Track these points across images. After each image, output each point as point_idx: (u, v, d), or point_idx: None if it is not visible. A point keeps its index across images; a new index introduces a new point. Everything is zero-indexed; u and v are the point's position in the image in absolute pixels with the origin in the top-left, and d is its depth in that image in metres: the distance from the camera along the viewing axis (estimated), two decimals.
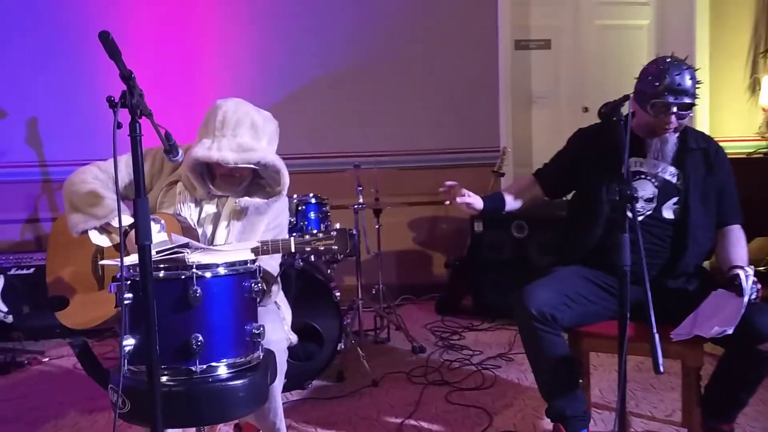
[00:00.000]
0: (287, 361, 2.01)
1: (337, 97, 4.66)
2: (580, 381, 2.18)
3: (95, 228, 1.90)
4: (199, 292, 1.57)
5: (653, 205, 2.20)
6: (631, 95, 2.11)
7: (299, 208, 3.17)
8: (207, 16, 4.55)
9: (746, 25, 4.79)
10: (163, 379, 1.55)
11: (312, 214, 3.20)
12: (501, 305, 3.91)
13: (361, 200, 3.44)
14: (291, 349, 2.09)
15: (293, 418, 2.61)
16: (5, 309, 3.54)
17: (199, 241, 1.89)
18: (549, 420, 2.21)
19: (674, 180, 2.20)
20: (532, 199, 2.43)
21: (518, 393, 2.84)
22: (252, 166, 1.94)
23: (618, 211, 1.73)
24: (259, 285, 1.70)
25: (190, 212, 2.02)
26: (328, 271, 3.36)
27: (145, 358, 1.43)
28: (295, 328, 2.19)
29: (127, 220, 1.72)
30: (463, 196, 2.24)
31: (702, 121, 4.68)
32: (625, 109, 1.89)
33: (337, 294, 3.01)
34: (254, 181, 2.06)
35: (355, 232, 3.38)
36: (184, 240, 1.67)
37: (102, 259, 2.01)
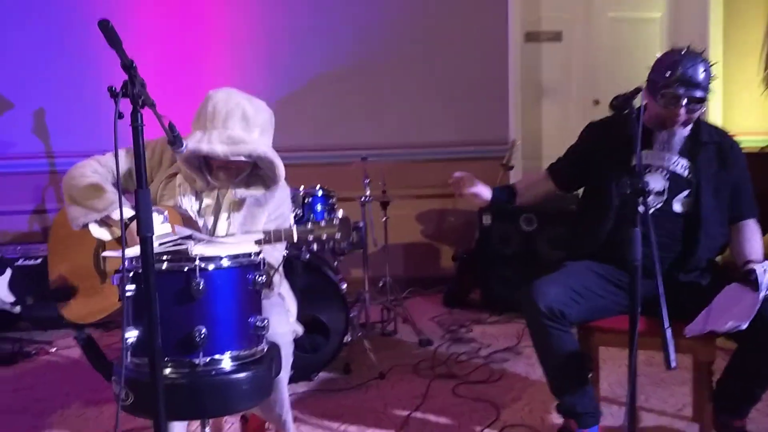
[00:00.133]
0: (293, 353, 2.00)
1: (345, 90, 4.63)
2: (590, 375, 2.15)
3: (95, 221, 1.89)
4: (202, 285, 1.55)
5: (663, 198, 2.16)
6: (644, 85, 2.07)
7: (306, 200, 3.15)
8: (214, 10, 4.52)
9: (760, 18, 4.72)
10: (166, 371, 1.54)
11: (318, 207, 3.18)
12: (509, 298, 3.89)
13: (368, 193, 3.42)
14: (297, 340, 2.07)
15: (300, 410, 2.59)
16: (12, 299, 3.55)
17: (200, 232, 1.87)
18: (558, 414, 2.19)
19: (685, 173, 2.16)
20: (545, 193, 2.42)
21: (526, 386, 2.82)
22: (243, 158, 1.91)
23: (629, 204, 1.70)
24: (263, 278, 1.68)
25: (190, 204, 2.00)
26: (335, 263, 3.35)
27: (147, 350, 1.42)
28: (301, 320, 2.18)
29: (128, 212, 1.71)
30: (473, 186, 2.20)
31: (715, 114, 4.62)
32: (638, 102, 1.85)
33: (344, 286, 2.99)
34: (253, 171, 2.03)
35: (362, 224, 3.36)
36: (188, 231, 1.66)
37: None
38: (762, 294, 1.87)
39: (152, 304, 1.39)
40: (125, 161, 1.96)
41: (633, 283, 1.67)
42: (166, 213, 1.84)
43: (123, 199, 1.47)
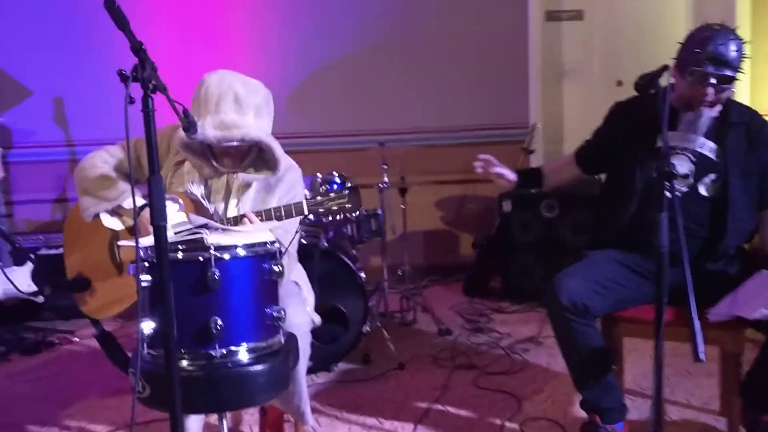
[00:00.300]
0: (312, 343, 1.97)
1: (362, 75, 4.57)
2: (614, 367, 2.10)
3: (107, 211, 1.88)
4: (218, 275, 1.53)
5: (689, 181, 2.08)
6: (671, 63, 1.99)
7: (323, 186, 3.12)
8: None
9: None
10: (183, 363, 1.53)
11: None
12: (530, 287, 3.84)
13: (386, 179, 3.37)
14: (315, 331, 2.05)
15: (318, 402, 2.58)
16: (35, 289, 3.58)
17: (211, 219, 1.85)
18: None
19: (713, 156, 2.08)
20: (571, 177, 2.38)
21: (548, 378, 2.77)
22: (235, 143, 1.87)
23: (654, 188, 1.63)
24: (280, 267, 1.65)
25: (200, 191, 1.97)
26: (353, 251, 3.32)
27: (163, 342, 1.39)
28: (319, 309, 2.15)
29: (139, 201, 1.69)
30: (499, 166, 2.20)
31: (742, 94, 4.48)
32: (664, 81, 1.77)
33: (363, 275, 2.96)
34: (260, 155, 1.99)
35: (380, 211, 3.32)
36: (204, 220, 1.63)
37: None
38: None
39: (167, 294, 1.36)
40: (134, 152, 1.94)
41: (660, 270, 1.59)
42: (181, 202, 1.82)
43: (135, 188, 1.44)
